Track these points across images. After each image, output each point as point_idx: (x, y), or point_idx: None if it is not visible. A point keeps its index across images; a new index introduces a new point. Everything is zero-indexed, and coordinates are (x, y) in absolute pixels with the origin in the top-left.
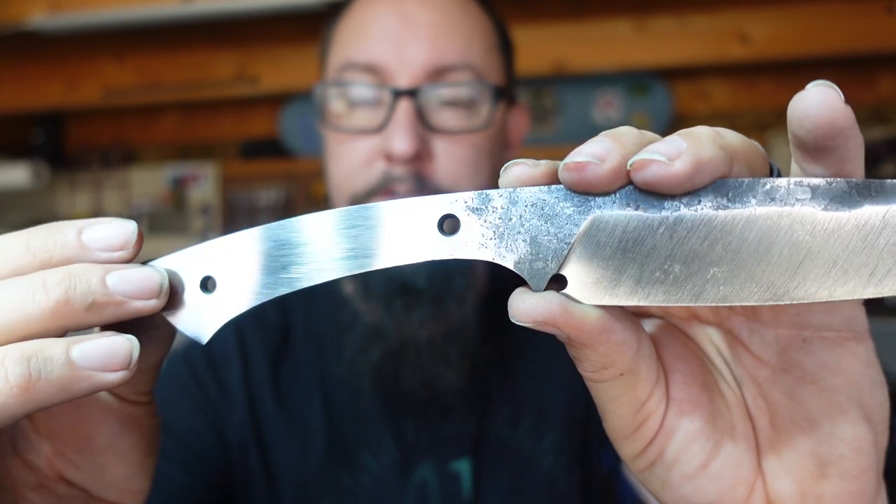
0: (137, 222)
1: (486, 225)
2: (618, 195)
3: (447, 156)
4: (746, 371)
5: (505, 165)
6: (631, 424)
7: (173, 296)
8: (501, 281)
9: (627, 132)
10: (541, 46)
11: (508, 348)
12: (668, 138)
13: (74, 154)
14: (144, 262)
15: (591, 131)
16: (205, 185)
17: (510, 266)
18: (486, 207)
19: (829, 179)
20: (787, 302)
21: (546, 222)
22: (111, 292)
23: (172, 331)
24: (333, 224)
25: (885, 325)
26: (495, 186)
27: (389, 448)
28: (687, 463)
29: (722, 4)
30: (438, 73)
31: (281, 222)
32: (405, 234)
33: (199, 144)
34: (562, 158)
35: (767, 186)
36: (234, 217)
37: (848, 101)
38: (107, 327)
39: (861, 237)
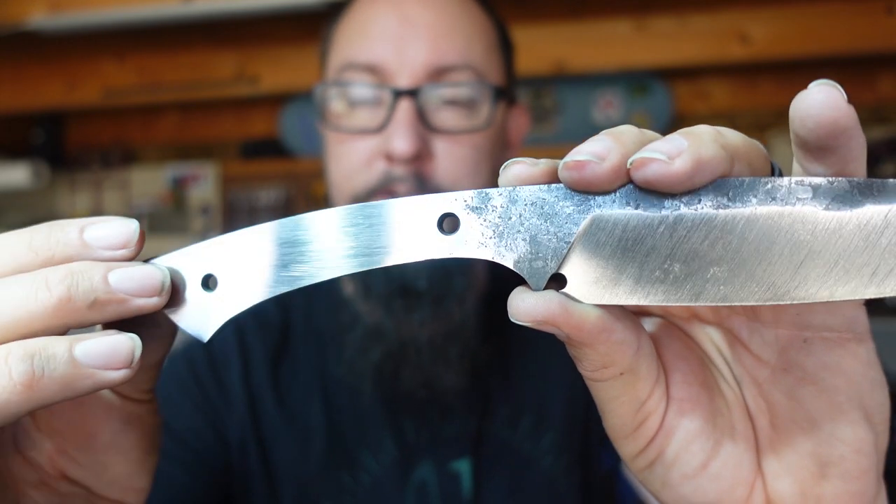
0: (137, 222)
1: (485, 224)
2: (618, 194)
3: (447, 156)
4: (746, 371)
5: (504, 164)
6: (631, 424)
7: (175, 294)
8: (501, 280)
9: (628, 131)
10: (541, 46)
11: (508, 348)
12: (668, 137)
13: (74, 154)
14: (146, 260)
15: (591, 131)
16: (205, 185)
17: (509, 265)
18: (486, 206)
19: (830, 179)
20: (788, 302)
21: (546, 221)
22: (113, 290)
23: (174, 328)
24: (335, 222)
25: (885, 325)
26: (495, 186)
27: (389, 448)
28: (687, 462)
29: (722, 4)
30: (439, 74)
31: (282, 220)
32: (405, 233)
33: (199, 144)
34: (562, 158)
35: (768, 186)
36: (234, 217)
37: (849, 102)
38: (108, 325)
39: (863, 237)
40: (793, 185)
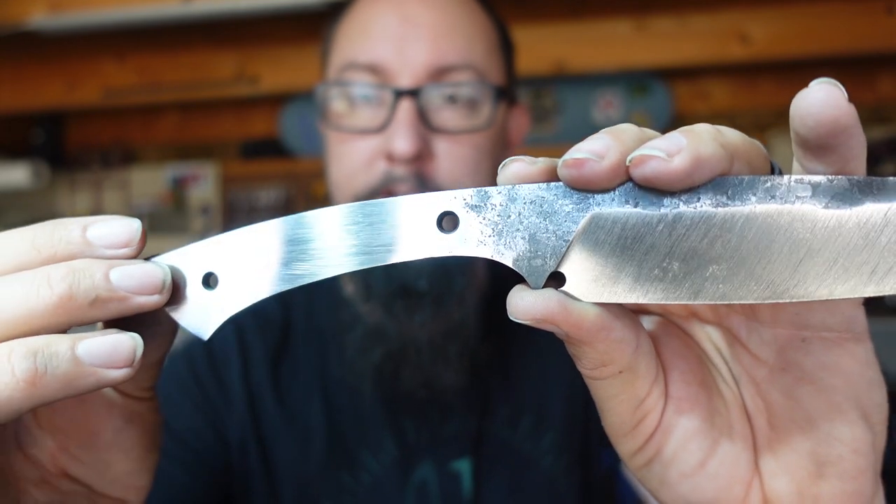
0: (140, 221)
1: (484, 222)
2: (617, 192)
3: (448, 156)
4: (745, 370)
5: (503, 162)
6: (629, 422)
7: (176, 292)
8: (501, 279)
9: (627, 129)
10: (541, 46)
11: (508, 348)
12: (667, 135)
13: (74, 154)
14: (147, 259)
15: (592, 131)
16: (205, 185)
17: (509, 263)
18: (485, 205)
19: (829, 177)
20: (787, 300)
21: (545, 219)
22: (114, 288)
23: (175, 327)
24: (334, 221)
25: (885, 325)
26: (495, 185)
27: (390, 447)
28: (684, 461)
29: (722, 4)
30: (440, 73)
31: (283, 218)
32: (405, 231)
33: (199, 144)
34: (561, 158)
35: (768, 184)
36: (234, 217)
37: (849, 99)
38: (109, 323)
39: (862, 235)
40: (792, 183)
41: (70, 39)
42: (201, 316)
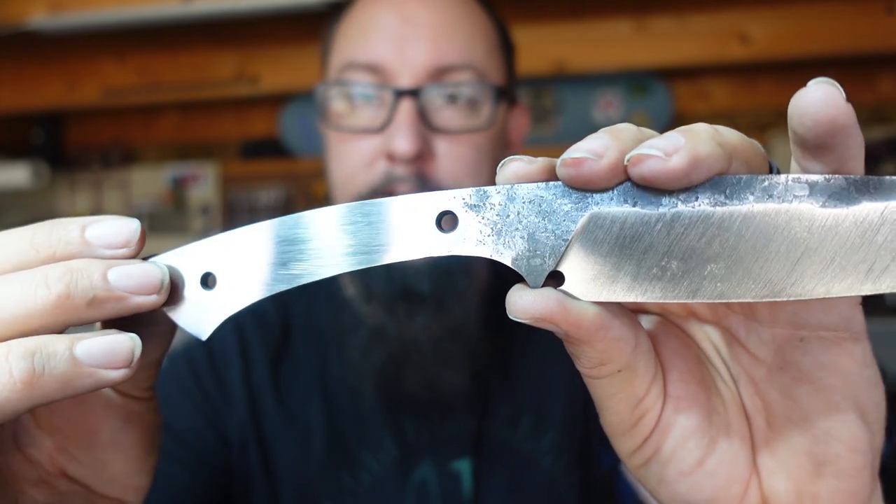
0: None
1: (483, 222)
2: (615, 192)
3: (449, 156)
4: (743, 369)
5: (502, 162)
6: (628, 421)
7: (174, 292)
8: (501, 279)
9: (626, 129)
10: (541, 46)
11: (508, 348)
12: (665, 134)
13: (74, 154)
14: (145, 258)
15: (591, 131)
16: (205, 185)
17: (508, 262)
18: (484, 204)
19: (827, 176)
20: (785, 298)
21: (544, 219)
22: (112, 287)
23: (173, 327)
24: (332, 220)
25: (884, 325)
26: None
27: (390, 447)
28: (683, 460)
29: (722, 4)
30: (440, 73)
31: (281, 218)
32: (403, 231)
33: (199, 144)
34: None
35: (765, 183)
36: (234, 217)
37: (848, 100)
38: (107, 323)
39: (859, 234)
40: (790, 182)
41: (70, 39)
42: (200, 316)
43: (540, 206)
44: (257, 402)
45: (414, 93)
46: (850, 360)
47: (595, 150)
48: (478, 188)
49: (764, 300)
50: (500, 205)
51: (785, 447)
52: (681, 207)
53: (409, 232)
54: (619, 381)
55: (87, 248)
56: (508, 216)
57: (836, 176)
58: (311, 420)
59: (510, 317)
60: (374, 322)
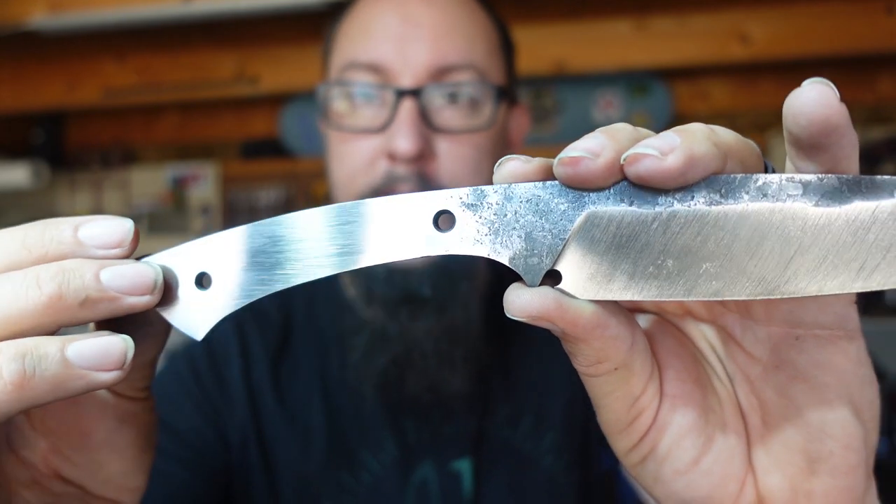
0: (137, 222)
1: (481, 221)
2: (612, 191)
3: (450, 155)
4: (739, 368)
5: (499, 161)
6: (625, 419)
7: (168, 292)
8: (501, 279)
9: (622, 128)
10: (541, 46)
11: (508, 348)
12: (661, 134)
13: (74, 154)
14: (138, 258)
15: (591, 131)
16: (205, 185)
17: (505, 262)
18: (482, 203)
19: (820, 175)
20: (779, 296)
21: (541, 218)
22: (105, 288)
23: (167, 327)
24: (328, 220)
25: (884, 325)
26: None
27: (390, 447)
28: (678, 458)
29: (722, 4)
30: (441, 73)
31: (275, 218)
32: (400, 230)
33: (199, 144)
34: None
35: (760, 182)
36: (234, 217)
37: (848, 101)
38: (101, 324)
39: (851, 232)
40: (784, 181)
41: (70, 39)
42: (194, 316)
43: (537, 205)
44: (258, 401)
45: (415, 92)
46: (845, 359)
47: (591, 149)
48: (475, 187)
49: (758, 298)
50: (497, 204)
51: (780, 445)
52: (677, 206)
53: (405, 231)
54: (615, 380)
55: (80, 248)
56: (506, 215)
57: (829, 175)
58: (311, 420)
59: (507, 315)
60: (375, 323)
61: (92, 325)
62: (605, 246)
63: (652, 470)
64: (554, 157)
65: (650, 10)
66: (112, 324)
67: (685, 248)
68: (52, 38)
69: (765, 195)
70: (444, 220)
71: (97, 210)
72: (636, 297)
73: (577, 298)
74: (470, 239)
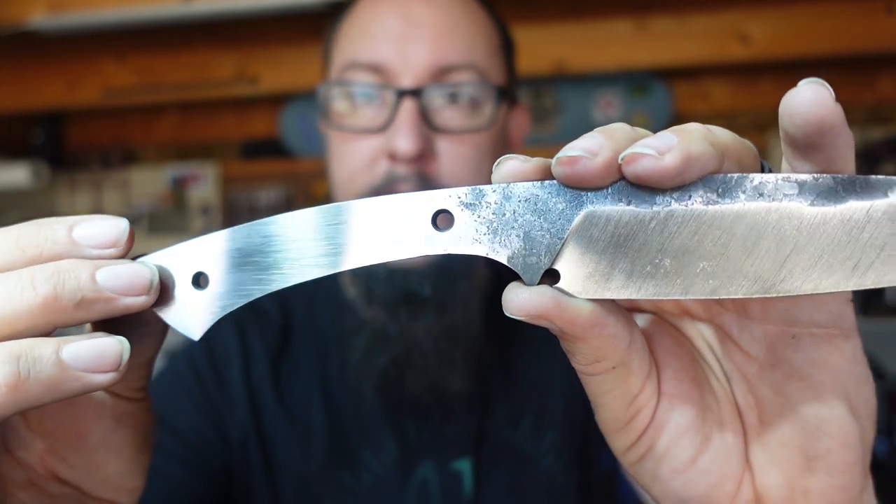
0: (137, 222)
1: (479, 220)
2: (610, 190)
3: (450, 155)
4: (736, 367)
5: (497, 161)
6: (623, 418)
7: (164, 292)
8: (501, 279)
9: (620, 128)
10: (541, 46)
11: (509, 348)
12: (659, 134)
13: (74, 154)
14: (134, 258)
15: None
16: (205, 185)
17: (503, 261)
18: (480, 203)
19: (815, 175)
20: (774, 295)
21: (539, 217)
22: (100, 289)
23: (164, 327)
24: (325, 219)
25: (884, 325)
26: None
27: (390, 447)
28: (676, 457)
29: (722, 4)
30: (442, 73)
31: (272, 217)
32: (399, 230)
33: (199, 144)
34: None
35: (756, 182)
36: (234, 217)
37: (848, 101)
38: (97, 324)
39: (845, 231)
40: (779, 181)
41: (70, 39)
42: (191, 316)
43: (535, 204)
44: (258, 401)
45: (416, 93)
46: (841, 357)
47: (589, 148)
48: (473, 187)
49: (754, 296)
50: (495, 203)
51: (777, 443)
52: (674, 206)
53: (404, 231)
54: (613, 378)
55: (75, 249)
56: (504, 215)
57: (825, 175)
58: (311, 419)
59: (506, 314)
60: (375, 322)
61: (88, 325)
62: (603, 245)
63: (650, 468)
64: (553, 157)
65: (650, 10)
66: (108, 324)
67: (682, 247)
68: (52, 38)
69: (761, 195)
70: (442, 219)
71: (97, 210)
72: (634, 296)
73: (575, 297)
74: (468, 238)
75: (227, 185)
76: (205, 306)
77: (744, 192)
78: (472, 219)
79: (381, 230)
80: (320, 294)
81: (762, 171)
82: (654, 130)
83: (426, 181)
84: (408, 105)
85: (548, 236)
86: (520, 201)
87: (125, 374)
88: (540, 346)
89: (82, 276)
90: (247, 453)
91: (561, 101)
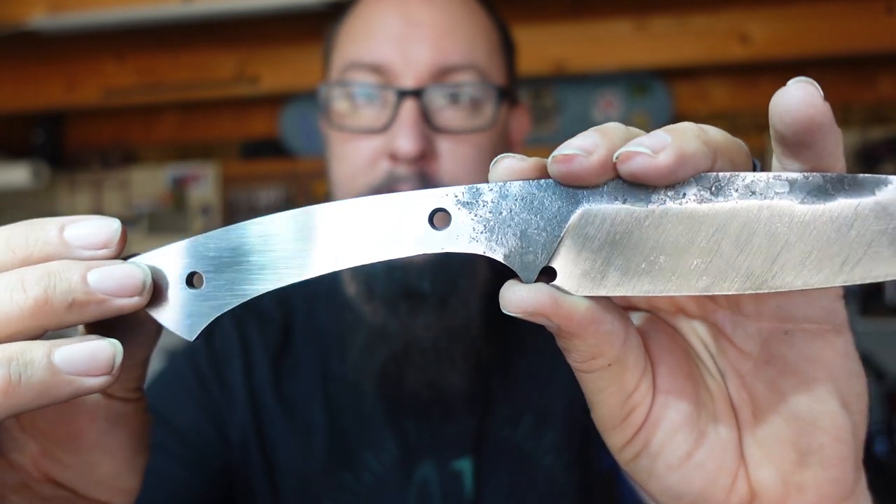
0: (137, 222)
1: (476, 219)
2: (605, 189)
3: (451, 155)
4: (730, 363)
5: (494, 160)
6: (618, 415)
7: (157, 292)
8: (500, 277)
9: (614, 127)
10: (541, 46)
11: (509, 347)
12: (653, 133)
13: (74, 154)
14: (126, 258)
15: None
16: (205, 185)
17: (500, 259)
18: (477, 201)
19: (805, 174)
20: (766, 291)
21: (535, 215)
22: (92, 290)
23: (158, 328)
24: (322, 218)
25: (884, 325)
26: None
27: (391, 447)
28: (672, 453)
29: (722, 4)
30: (443, 74)
31: (270, 216)
32: (396, 228)
33: (199, 144)
34: None
35: (748, 180)
36: (234, 217)
37: (848, 101)
38: (90, 326)
39: (834, 228)
40: (771, 179)
41: (70, 39)
42: (185, 317)
43: (532, 203)
44: (258, 400)
45: (417, 93)
46: (834, 352)
47: (585, 147)
48: (470, 185)
49: (747, 293)
50: (492, 202)
51: (771, 438)
52: (669, 204)
53: (401, 229)
54: (609, 375)
55: (66, 249)
56: (501, 213)
57: (814, 174)
58: (312, 419)
59: (503, 311)
60: (375, 321)
61: (81, 327)
62: (598, 243)
63: (646, 465)
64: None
65: (650, 10)
66: (101, 325)
67: (676, 245)
68: (52, 38)
69: (753, 193)
70: (439, 218)
71: (97, 210)
72: (629, 293)
73: (571, 295)
74: (465, 237)
75: (228, 185)
76: (199, 307)
77: (736, 191)
78: (469, 217)
79: (378, 229)
80: (320, 292)
81: (754, 169)
82: (654, 130)
83: (427, 181)
84: (409, 105)
85: (544, 234)
86: (516, 200)
87: (119, 376)
88: (541, 345)
89: (73, 277)
90: (247, 453)
91: (561, 101)
